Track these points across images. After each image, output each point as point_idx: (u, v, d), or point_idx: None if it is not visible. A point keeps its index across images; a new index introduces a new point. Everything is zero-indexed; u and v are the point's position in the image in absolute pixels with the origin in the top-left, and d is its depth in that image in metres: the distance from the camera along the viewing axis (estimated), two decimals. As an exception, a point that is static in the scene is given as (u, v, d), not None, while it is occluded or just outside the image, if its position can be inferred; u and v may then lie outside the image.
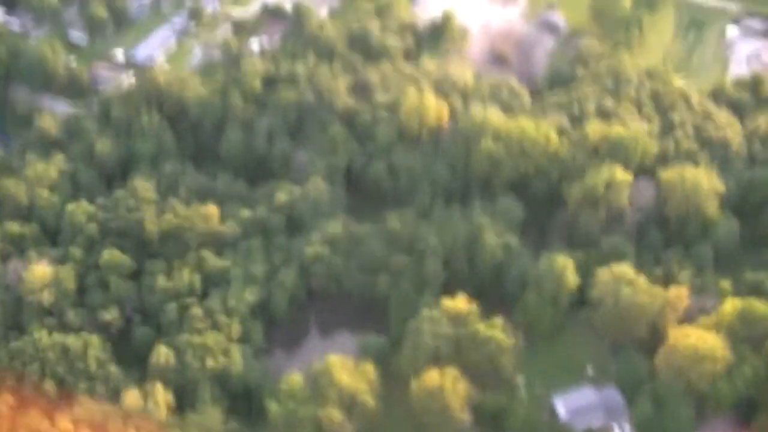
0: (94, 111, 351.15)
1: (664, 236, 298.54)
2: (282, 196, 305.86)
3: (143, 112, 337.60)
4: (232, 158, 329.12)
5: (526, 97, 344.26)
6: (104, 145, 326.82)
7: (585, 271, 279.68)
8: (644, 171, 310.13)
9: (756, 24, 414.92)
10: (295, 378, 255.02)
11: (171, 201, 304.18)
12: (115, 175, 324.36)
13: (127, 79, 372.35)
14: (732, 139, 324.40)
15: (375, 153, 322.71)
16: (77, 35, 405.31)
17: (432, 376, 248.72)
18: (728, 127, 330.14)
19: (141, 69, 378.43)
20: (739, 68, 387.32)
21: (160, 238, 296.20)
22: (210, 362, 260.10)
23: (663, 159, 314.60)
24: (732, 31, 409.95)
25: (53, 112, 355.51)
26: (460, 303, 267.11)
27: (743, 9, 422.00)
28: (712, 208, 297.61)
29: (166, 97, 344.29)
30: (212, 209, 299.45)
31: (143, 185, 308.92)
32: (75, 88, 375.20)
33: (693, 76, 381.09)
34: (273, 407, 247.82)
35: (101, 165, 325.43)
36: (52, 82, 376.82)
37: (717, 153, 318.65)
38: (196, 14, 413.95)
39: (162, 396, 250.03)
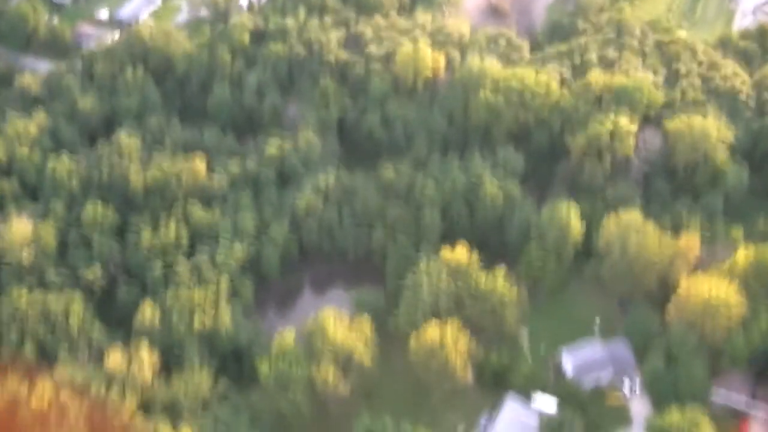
0: (77, 69, 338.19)
1: (672, 186, 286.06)
2: (272, 147, 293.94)
3: (127, 67, 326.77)
4: (220, 113, 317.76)
5: (525, 48, 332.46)
6: (87, 102, 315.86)
7: (590, 221, 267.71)
8: (650, 121, 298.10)
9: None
10: (287, 336, 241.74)
11: (156, 154, 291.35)
12: (99, 132, 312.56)
13: (111, 37, 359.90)
14: (740, 88, 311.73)
15: (368, 105, 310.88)
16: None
17: (432, 331, 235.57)
18: (736, 77, 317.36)
19: (125, 26, 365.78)
20: (744, 21, 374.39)
21: (145, 192, 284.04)
22: (198, 321, 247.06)
23: (669, 109, 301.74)
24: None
25: (35, 71, 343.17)
26: (460, 254, 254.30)
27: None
28: (721, 156, 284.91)
29: (151, 52, 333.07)
30: (199, 161, 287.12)
31: (127, 139, 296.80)
32: (58, 48, 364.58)
33: (697, 28, 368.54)
34: (264, 367, 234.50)
35: (84, 122, 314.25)
36: (34, 41, 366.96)
37: (725, 103, 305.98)
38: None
39: (147, 356, 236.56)
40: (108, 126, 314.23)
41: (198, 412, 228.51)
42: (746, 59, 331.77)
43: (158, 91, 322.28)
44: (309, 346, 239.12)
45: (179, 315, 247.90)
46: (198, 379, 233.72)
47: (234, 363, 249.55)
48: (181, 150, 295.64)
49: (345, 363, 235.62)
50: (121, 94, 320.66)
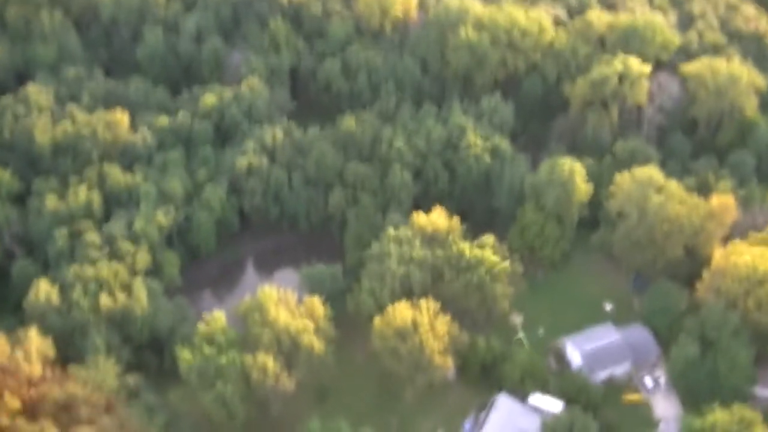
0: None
1: (693, 142, 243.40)
2: (209, 99, 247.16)
3: (43, 11, 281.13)
4: (152, 64, 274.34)
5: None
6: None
7: (597, 183, 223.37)
8: (663, 67, 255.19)
9: None
10: (216, 318, 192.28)
11: (71, 109, 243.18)
12: (8, 85, 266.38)
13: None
14: (765, 32, 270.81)
15: (327, 51, 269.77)
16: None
17: (402, 312, 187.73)
18: (758, 19, 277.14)
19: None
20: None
21: (54, 152, 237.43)
22: (105, 300, 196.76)
23: (685, 54, 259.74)
24: None
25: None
26: (437, 219, 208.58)
27: None
28: (751, 106, 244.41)
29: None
30: (120, 115, 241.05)
31: (37, 91, 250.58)
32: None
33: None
34: (185, 355, 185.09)
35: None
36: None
37: (750, 47, 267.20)
38: None
39: (37, 344, 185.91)
40: (20, 79, 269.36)
41: (100, 413, 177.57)
42: (765, 2, 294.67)
43: (80, 38, 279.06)
44: (245, 331, 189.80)
45: (82, 293, 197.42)
46: (101, 372, 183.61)
47: (153, 355, 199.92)
48: (102, 105, 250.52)
49: (290, 352, 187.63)
50: (36, 42, 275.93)
